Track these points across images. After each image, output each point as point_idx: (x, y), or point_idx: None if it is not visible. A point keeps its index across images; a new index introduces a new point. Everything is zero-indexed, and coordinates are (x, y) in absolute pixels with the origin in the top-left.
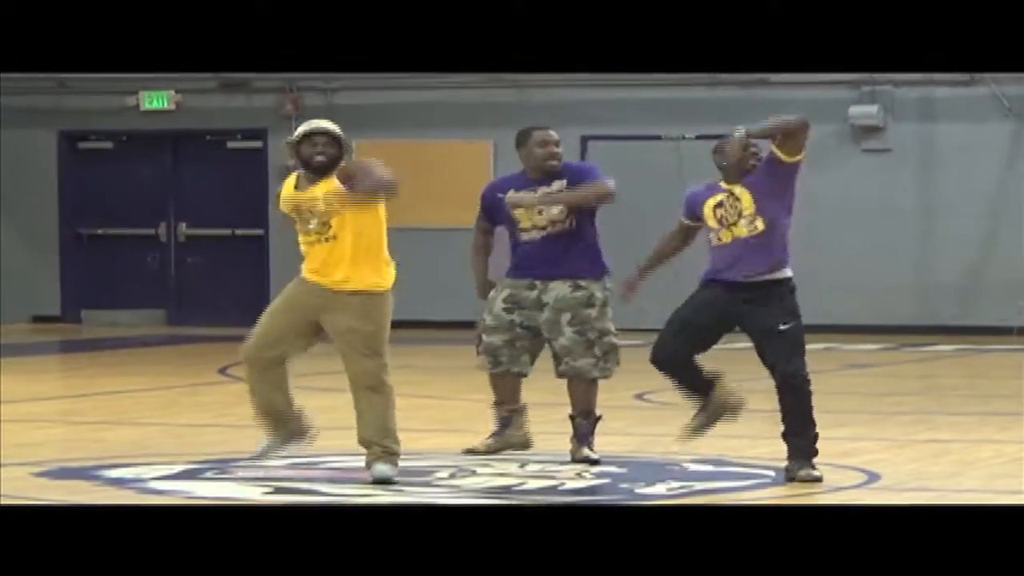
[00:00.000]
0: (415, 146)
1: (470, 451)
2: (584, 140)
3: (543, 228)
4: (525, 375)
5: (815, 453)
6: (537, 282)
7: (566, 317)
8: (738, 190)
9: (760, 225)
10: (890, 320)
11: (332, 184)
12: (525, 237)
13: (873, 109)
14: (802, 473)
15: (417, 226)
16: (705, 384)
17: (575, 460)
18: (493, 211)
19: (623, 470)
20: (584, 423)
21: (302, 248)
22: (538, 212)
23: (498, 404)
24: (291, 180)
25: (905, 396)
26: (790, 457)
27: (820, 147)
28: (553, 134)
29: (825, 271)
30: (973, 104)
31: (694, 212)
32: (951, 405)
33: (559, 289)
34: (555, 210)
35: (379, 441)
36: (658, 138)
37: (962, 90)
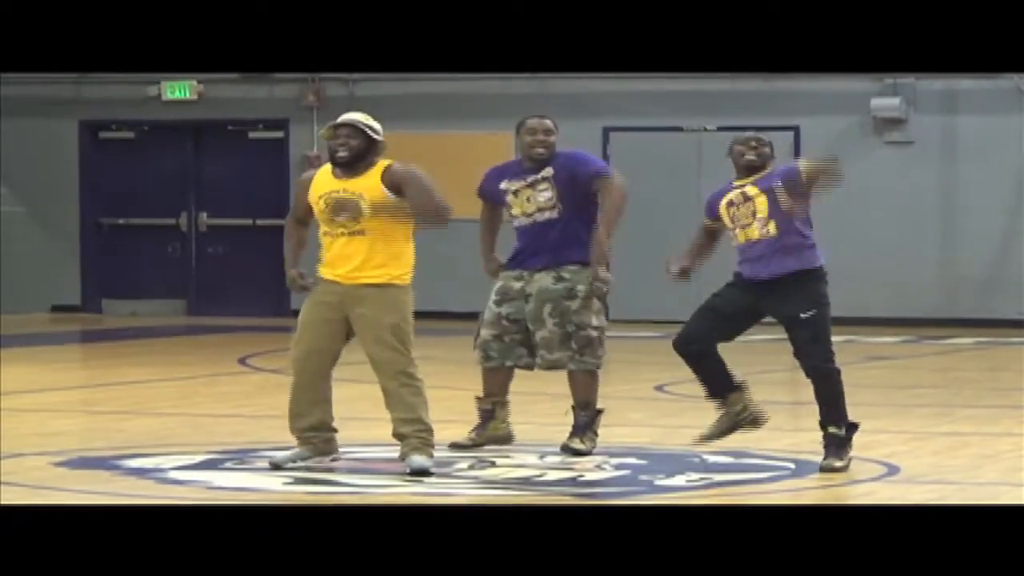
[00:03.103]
0: (435, 137)
1: (455, 445)
2: (605, 131)
3: (530, 215)
4: (519, 367)
5: (848, 442)
6: (524, 273)
7: (547, 308)
8: (751, 190)
9: (772, 229)
10: (911, 312)
11: (374, 182)
12: (515, 224)
13: (895, 101)
14: (824, 463)
15: None
16: (725, 383)
17: (561, 447)
18: (487, 191)
19: (643, 462)
20: (583, 415)
21: (321, 239)
22: (527, 199)
23: (484, 397)
24: (326, 171)
25: (925, 389)
26: (825, 446)
27: (842, 139)
28: (546, 123)
29: (846, 263)
30: (995, 96)
31: (713, 212)
32: (971, 398)
33: (542, 280)
34: (542, 197)
35: (413, 432)
36: (679, 129)
37: (984, 82)
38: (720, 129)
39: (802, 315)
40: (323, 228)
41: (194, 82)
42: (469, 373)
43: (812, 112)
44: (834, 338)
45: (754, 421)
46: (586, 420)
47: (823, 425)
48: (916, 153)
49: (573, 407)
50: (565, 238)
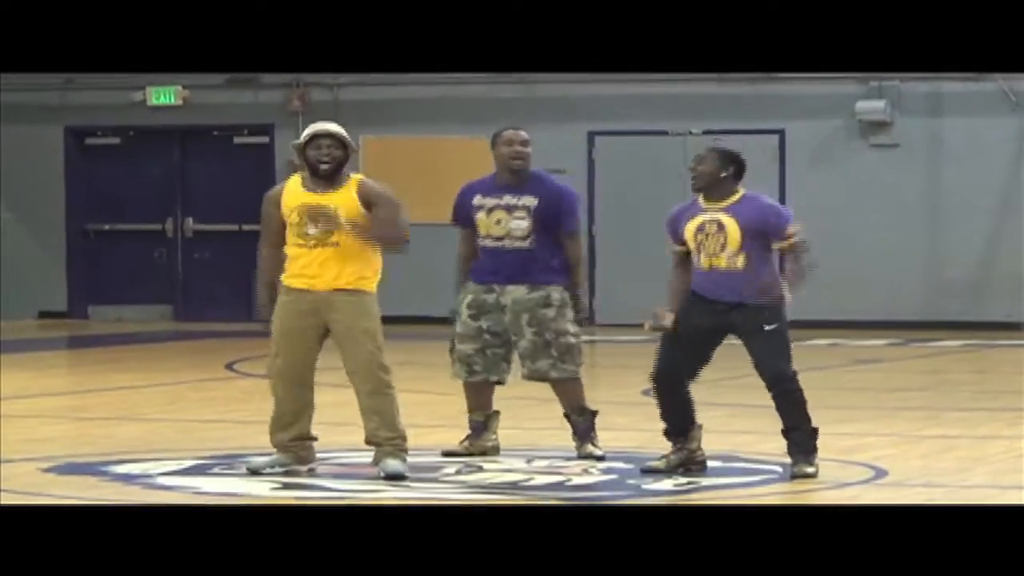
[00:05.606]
0: (420, 142)
1: (447, 453)
2: (591, 135)
3: (499, 239)
4: (502, 382)
5: (813, 448)
6: (495, 286)
7: (525, 318)
8: (725, 219)
9: (740, 263)
10: (898, 315)
11: (349, 197)
12: (480, 242)
13: (880, 104)
14: (795, 470)
15: (421, 222)
16: (687, 420)
17: (580, 457)
18: (462, 210)
19: (630, 466)
20: (580, 420)
21: (288, 251)
22: (496, 222)
23: (471, 410)
24: (296, 182)
25: (913, 392)
26: (789, 454)
27: (827, 142)
28: (522, 134)
29: (833, 267)
30: (980, 99)
31: (677, 234)
32: (959, 401)
33: (516, 292)
34: (515, 225)
35: (388, 438)
36: (664, 133)
37: (970, 85)
38: (705, 133)
39: (766, 327)
40: (293, 240)
41: (179, 88)
42: (448, 378)
43: (797, 115)
44: (821, 341)
45: (703, 463)
46: (586, 424)
47: (786, 432)
48: (901, 156)
49: (567, 415)
50: (536, 265)
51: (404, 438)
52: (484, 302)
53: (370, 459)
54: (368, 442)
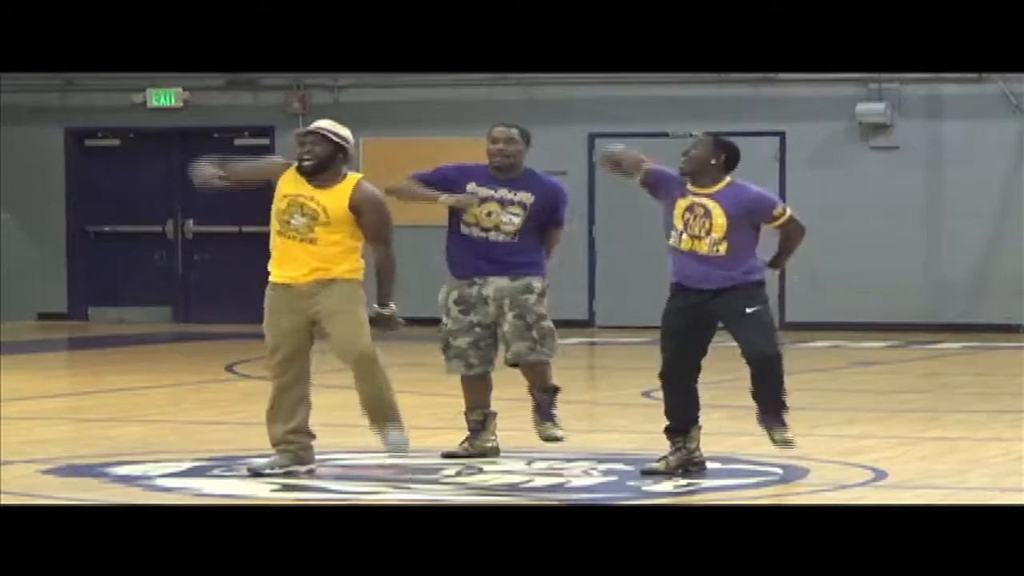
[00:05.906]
0: (421, 144)
1: (448, 455)
2: (591, 137)
3: (485, 230)
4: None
5: (785, 409)
6: (476, 279)
7: (506, 303)
8: (711, 205)
9: (722, 250)
10: (897, 318)
11: (340, 199)
12: (464, 230)
13: (880, 107)
14: (776, 436)
15: (423, 223)
16: (691, 418)
17: (542, 438)
18: (444, 181)
19: (630, 468)
20: (544, 396)
21: (272, 237)
22: (487, 214)
23: (470, 409)
24: (292, 173)
25: (912, 394)
26: (764, 424)
27: (827, 145)
28: (511, 132)
29: (832, 269)
30: (981, 101)
31: (669, 186)
32: (958, 403)
33: (498, 282)
34: (507, 219)
35: (384, 414)
36: (665, 135)
37: (970, 87)
38: (706, 135)
39: (747, 310)
40: (276, 227)
41: (180, 89)
42: (457, 380)
43: (798, 118)
44: (821, 343)
45: (702, 464)
46: (549, 400)
47: (763, 422)
48: (901, 158)
49: (531, 391)
50: (519, 258)
51: (396, 407)
52: (469, 296)
53: (370, 461)
54: (365, 415)
